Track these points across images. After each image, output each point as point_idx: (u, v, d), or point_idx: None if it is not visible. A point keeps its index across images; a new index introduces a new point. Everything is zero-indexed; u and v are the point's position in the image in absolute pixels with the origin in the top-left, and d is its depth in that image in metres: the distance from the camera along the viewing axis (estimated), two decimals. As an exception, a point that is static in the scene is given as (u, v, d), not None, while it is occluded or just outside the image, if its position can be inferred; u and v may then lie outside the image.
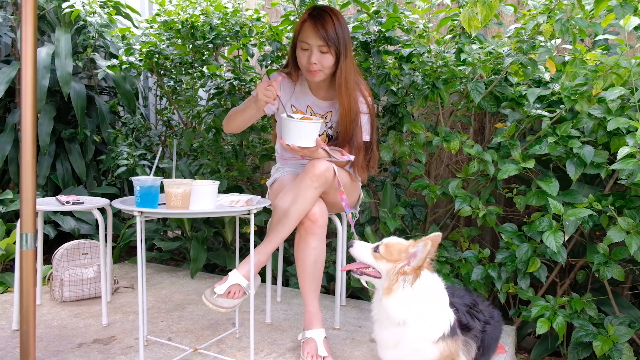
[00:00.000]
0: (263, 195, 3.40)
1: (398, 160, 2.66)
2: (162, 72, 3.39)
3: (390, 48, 2.58)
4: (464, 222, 2.82)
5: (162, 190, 1.77)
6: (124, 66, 3.09)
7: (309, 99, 2.12)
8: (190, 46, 3.22)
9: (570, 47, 2.17)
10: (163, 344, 2.04)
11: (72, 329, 2.17)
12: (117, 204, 1.79)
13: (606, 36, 2.04)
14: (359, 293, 2.76)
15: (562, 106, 2.12)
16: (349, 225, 2.33)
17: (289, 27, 2.88)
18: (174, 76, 3.35)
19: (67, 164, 3.57)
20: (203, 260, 2.94)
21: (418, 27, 2.39)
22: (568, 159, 2.08)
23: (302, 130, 1.81)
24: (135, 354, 1.95)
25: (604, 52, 2.18)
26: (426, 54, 2.33)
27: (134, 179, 1.77)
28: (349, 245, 1.73)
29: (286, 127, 1.84)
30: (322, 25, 1.92)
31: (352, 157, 1.99)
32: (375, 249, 1.67)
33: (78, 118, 3.41)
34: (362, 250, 1.69)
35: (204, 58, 3.29)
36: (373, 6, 2.51)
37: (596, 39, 2.10)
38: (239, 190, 3.23)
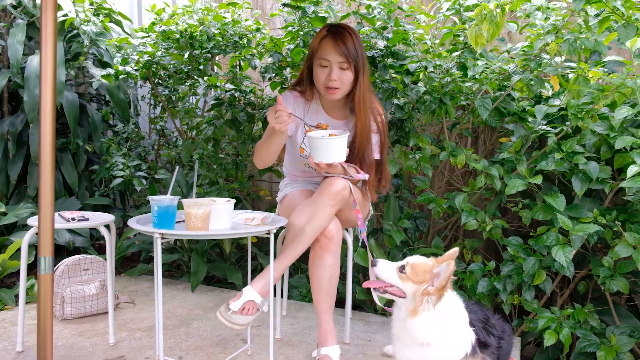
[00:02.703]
0: (263, 206, 3.40)
1: (400, 173, 2.68)
2: (157, 81, 3.35)
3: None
4: (463, 232, 2.86)
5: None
6: (120, 76, 3.04)
7: (322, 118, 2.12)
8: (187, 55, 3.19)
9: (572, 64, 2.23)
10: (176, 363, 2.01)
11: (78, 348, 2.13)
12: (134, 224, 1.76)
13: (614, 57, 2.10)
14: (361, 304, 2.77)
15: (567, 123, 2.17)
16: (356, 238, 2.35)
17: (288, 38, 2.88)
18: (169, 85, 3.31)
19: (58, 174, 3.49)
20: (204, 273, 2.91)
21: (426, 42, 2.41)
22: (574, 175, 2.13)
23: (332, 147, 1.81)
24: (148, 374, 1.92)
25: (605, 70, 2.24)
26: (432, 70, 2.35)
27: (151, 198, 1.74)
28: (372, 264, 1.74)
29: (316, 146, 1.84)
30: (342, 41, 1.93)
31: (366, 176, 2.00)
32: (401, 269, 1.68)
33: (71, 128, 3.34)
34: (386, 269, 1.71)
35: (200, 67, 3.27)
36: (377, 21, 2.53)
37: (606, 59, 2.16)
38: (238, 201, 3.21)
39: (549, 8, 2.29)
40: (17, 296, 2.62)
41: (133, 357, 2.06)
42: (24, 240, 2.05)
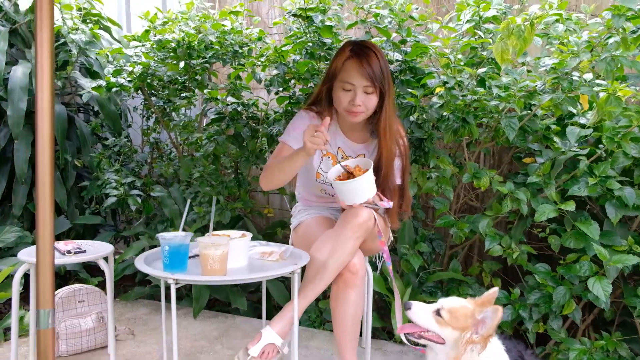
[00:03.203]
0: (264, 222, 3.21)
1: (415, 193, 2.54)
2: (151, 92, 3.16)
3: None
4: (478, 253, 2.74)
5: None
6: (113, 88, 2.84)
7: (341, 140, 1.97)
8: (182, 66, 3.01)
9: (602, 82, 2.12)
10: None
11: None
12: (142, 265, 1.60)
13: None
14: (376, 331, 2.63)
15: (601, 146, 2.06)
16: (373, 266, 2.20)
17: (289, 47, 2.71)
18: (164, 97, 3.12)
19: (44, 191, 3.28)
20: (206, 298, 2.75)
21: (449, 57, 2.27)
22: (607, 201, 2.02)
23: (361, 186, 1.68)
24: None
25: (636, 89, 2.13)
26: (452, 86, 2.22)
27: (161, 237, 1.58)
28: (406, 307, 1.60)
29: (345, 191, 1.70)
30: (367, 63, 1.77)
31: (391, 204, 1.85)
32: (438, 313, 1.54)
33: (59, 142, 3.13)
34: (422, 313, 1.56)
35: (197, 78, 3.08)
36: (393, 34, 2.38)
37: (627, 74, 2.05)
38: (239, 219, 3.05)
39: (569, 19, 2.17)
40: (6, 330, 2.44)
41: (139, 403, 1.89)
42: (15, 279, 1.87)
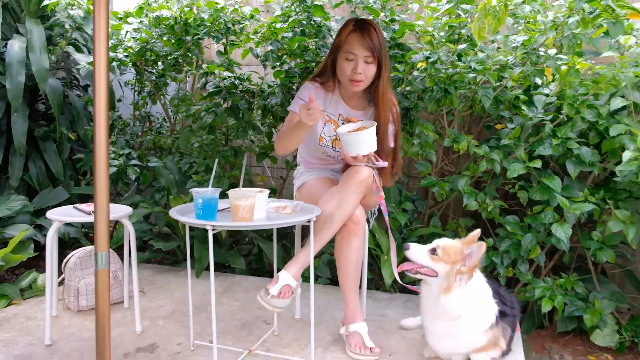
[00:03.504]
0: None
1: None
2: (147, 68, 3.31)
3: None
4: (454, 211, 3.06)
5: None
6: (113, 63, 2.98)
7: (342, 108, 2.22)
8: (174, 41, 3.16)
9: (563, 57, 2.43)
10: (211, 347, 2.08)
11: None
12: (177, 215, 1.81)
13: (609, 53, 2.32)
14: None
15: (563, 112, 2.38)
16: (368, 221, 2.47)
17: (282, 26, 2.91)
18: (159, 71, 3.27)
19: (40, 164, 3.39)
20: (207, 260, 2.96)
21: (432, 34, 2.54)
22: (567, 159, 2.35)
23: (366, 139, 1.92)
24: (187, 359, 1.98)
25: (591, 62, 2.45)
26: (435, 61, 2.49)
27: (194, 191, 1.79)
28: (404, 248, 1.88)
29: (351, 142, 1.94)
30: (368, 36, 2.02)
31: (385, 164, 2.11)
32: (433, 252, 1.83)
33: (55, 115, 3.25)
34: (419, 252, 1.85)
35: (189, 54, 3.25)
36: (384, 11, 2.63)
37: (605, 54, 2.37)
38: (234, 187, 3.25)
39: (534, 1, 2.47)
40: (21, 290, 2.60)
41: (165, 344, 2.11)
42: (49, 236, 2.04)
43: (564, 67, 2.37)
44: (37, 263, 3.14)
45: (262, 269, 3.24)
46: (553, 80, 2.52)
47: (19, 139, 3.16)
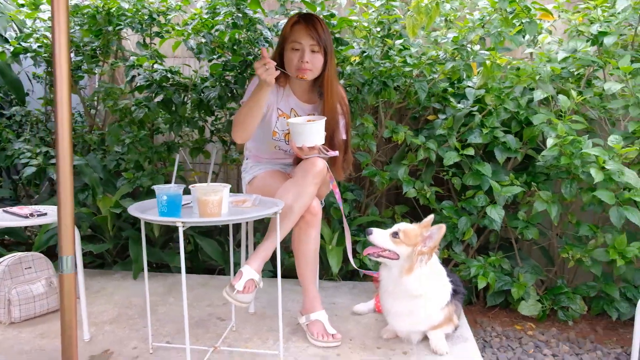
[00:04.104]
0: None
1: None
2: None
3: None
4: (387, 199, 3.21)
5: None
6: (28, 54, 2.74)
7: (292, 102, 2.24)
8: (94, 32, 2.98)
9: (485, 52, 2.64)
10: (172, 348, 2.02)
11: (53, 350, 2.00)
12: (137, 213, 1.74)
13: (530, 50, 2.56)
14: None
15: (489, 103, 2.59)
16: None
17: (217, 18, 2.87)
18: (78, 64, 3.06)
19: (-62, 166, 3.04)
20: (144, 260, 2.84)
21: (371, 29, 2.64)
22: (495, 146, 2.57)
23: (314, 131, 1.95)
24: (148, 363, 1.91)
25: (509, 58, 2.70)
26: (373, 54, 2.59)
27: (156, 187, 1.73)
28: (367, 233, 1.96)
29: (299, 132, 1.96)
30: (313, 26, 2.07)
31: (337, 153, 2.17)
32: (394, 235, 1.93)
33: (-44, 112, 2.92)
34: (381, 236, 1.94)
35: (109, 45, 3.08)
36: (319, 7, 2.68)
37: (528, 50, 2.61)
38: (167, 183, 3.14)
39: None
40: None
41: (119, 350, 2.01)
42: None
43: (487, 62, 2.58)
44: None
45: (198, 266, 3.17)
46: (477, 74, 2.73)
47: None
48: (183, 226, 1.68)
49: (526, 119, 2.55)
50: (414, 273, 1.89)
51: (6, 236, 3.36)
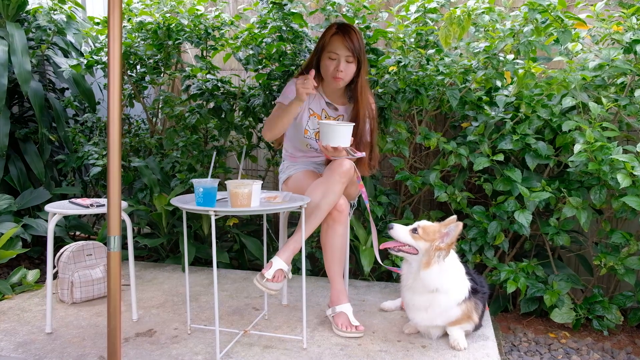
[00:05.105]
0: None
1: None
2: (126, 71, 3.41)
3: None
4: (424, 205, 3.29)
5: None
6: (98, 66, 3.08)
7: (324, 103, 2.42)
8: (156, 46, 3.29)
9: (520, 61, 2.70)
10: (207, 330, 2.22)
11: (105, 326, 2.25)
12: (178, 203, 1.95)
13: (559, 58, 2.60)
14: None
15: (521, 110, 2.64)
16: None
17: (263, 31, 3.09)
18: (139, 75, 3.38)
19: (20, 165, 3.44)
20: (193, 255, 3.08)
21: (404, 40, 2.77)
22: (526, 153, 2.61)
23: (341, 133, 2.11)
24: (185, 341, 2.11)
25: (544, 67, 2.74)
26: (406, 64, 2.72)
27: (195, 181, 1.94)
28: (389, 228, 2.08)
29: (327, 132, 2.12)
30: (349, 38, 2.24)
31: (363, 154, 2.32)
32: (414, 231, 2.04)
33: (37, 117, 3.31)
34: (402, 231, 2.06)
35: (170, 58, 3.38)
36: (356, 18, 2.84)
37: (557, 58, 2.65)
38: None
39: (492, 11, 2.74)
40: (12, 286, 2.67)
41: (162, 329, 2.23)
42: (50, 228, 2.13)
43: (521, 71, 2.64)
44: (21, 262, 3.19)
45: (244, 264, 3.38)
46: (511, 83, 2.78)
47: (1, 141, 3.20)
48: (215, 215, 1.88)
49: (559, 126, 2.58)
50: (432, 268, 1.99)
51: (77, 231, 3.72)
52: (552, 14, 2.48)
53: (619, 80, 2.68)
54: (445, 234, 2.00)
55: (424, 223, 2.06)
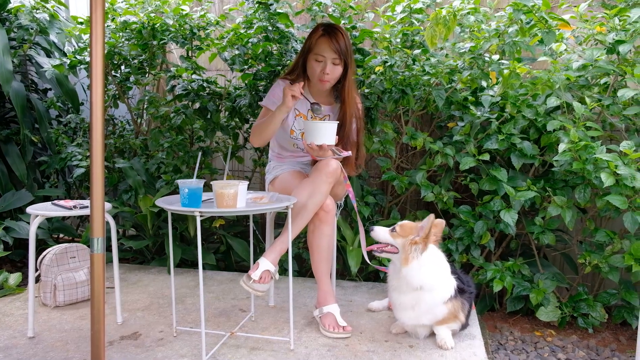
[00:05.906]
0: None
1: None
2: (110, 71, 3.37)
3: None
4: (411, 205, 3.30)
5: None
6: (81, 65, 3.04)
7: (310, 104, 2.40)
8: (141, 46, 3.26)
9: (505, 62, 2.71)
10: (193, 332, 2.20)
11: (88, 329, 2.21)
12: (163, 204, 1.93)
13: (544, 58, 2.62)
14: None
15: (506, 110, 2.66)
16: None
17: (249, 31, 3.07)
18: (123, 75, 3.35)
19: (2, 167, 3.38)
20: (179, 256, 3.05)
21: (391, 40, 2.77)
22: (512, 152, 2.63)
23: (324, 130, 2.10)
24: (170, 344, 2.09)
25: (529, 67, 2.75)
26: (392, 64, 2.72)
27: (180, 182, 1.92)
28: (369, 230, 2.09)
29: (310, 129, 2.11)
30: (336, 40, 2.22)
31: (349, 153, 2.31)
32: (392, 229, 2.04)
33: (19, 118, 3.26)
34: (381, 232, 2.06)
35: (154, 58, 3.35)
36: (343, 19, 2.84)
37: (542, 59, 2.67)
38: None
39: (477, 12, 2.75)
40: (-7, 289, 2.61)
41: (147, 332, 2.20)
42: (32, 230, 2.10)
43: (506, 71, 2.65)
44: (2, 265, 3.13)
45: (230, 265, 3.36)
46: (497, 83, 2.80)
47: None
48: (201, 216, 1.86)
49: (544, 126, 2.60)
50: (412, 264, 1.99)
51: (61, 234, 3.67)
52: (537, 14, 2.50)
53: (602, 81, 2.71)
54: (420, 228, 2.01)
55: (402, 222, 2.07)
